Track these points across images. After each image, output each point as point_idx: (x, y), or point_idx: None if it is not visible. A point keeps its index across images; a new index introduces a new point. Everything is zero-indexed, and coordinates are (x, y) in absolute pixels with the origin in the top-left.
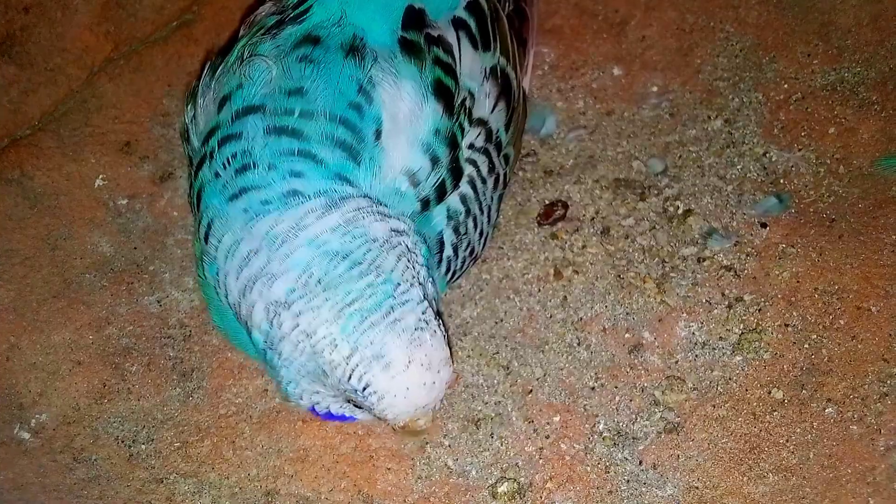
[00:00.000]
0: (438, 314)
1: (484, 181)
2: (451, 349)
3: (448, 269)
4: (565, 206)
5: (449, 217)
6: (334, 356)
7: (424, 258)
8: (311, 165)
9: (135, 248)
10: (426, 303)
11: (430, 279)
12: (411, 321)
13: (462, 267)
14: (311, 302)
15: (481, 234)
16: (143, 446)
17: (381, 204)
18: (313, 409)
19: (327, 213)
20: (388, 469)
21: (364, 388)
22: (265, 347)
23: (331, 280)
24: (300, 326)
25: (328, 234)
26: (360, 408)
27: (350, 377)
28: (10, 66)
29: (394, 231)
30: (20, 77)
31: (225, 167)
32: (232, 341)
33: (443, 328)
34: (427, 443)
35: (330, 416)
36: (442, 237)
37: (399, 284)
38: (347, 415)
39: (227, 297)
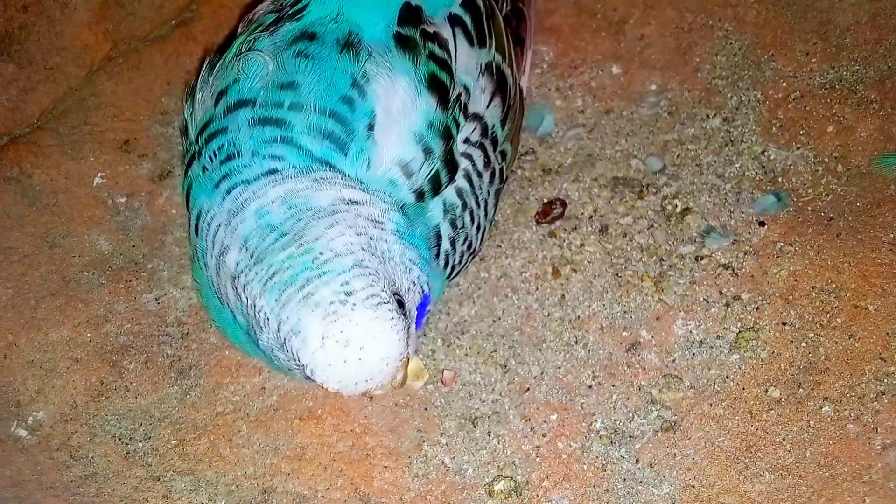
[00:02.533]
0: (424, 286)
1: (480, 175)
2: (400, 325)
3: (447, 264)
4: (563, 205)
5: (445, 210)
6: (271, 328)
7: (399, 227)
8: (292, 151)
9: (133, 246)
10: (355, 270)
11: (407, 245)
12: (326, 294)
13: (460, 262)
14: (248, 275)
15: (478, 228)
16: (140, 444)
17: (352, 178)
18: (308, 378)
19: (283, 181)
20: (385, 467)
21: (297, 363)
22: (248, 329)
23: (260, 252)
24: (248, 299)
25: (271, 204)
26: None
27: (288, 350)
28: (9, 65)
29: (344, 201)
30: (19, 75)
31: (212, 160)
32: (231, 340)
33: (380, 298)
34: (424, 441)
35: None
36: (439, 230)
37: (321, 254)
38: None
39: (212, 284)
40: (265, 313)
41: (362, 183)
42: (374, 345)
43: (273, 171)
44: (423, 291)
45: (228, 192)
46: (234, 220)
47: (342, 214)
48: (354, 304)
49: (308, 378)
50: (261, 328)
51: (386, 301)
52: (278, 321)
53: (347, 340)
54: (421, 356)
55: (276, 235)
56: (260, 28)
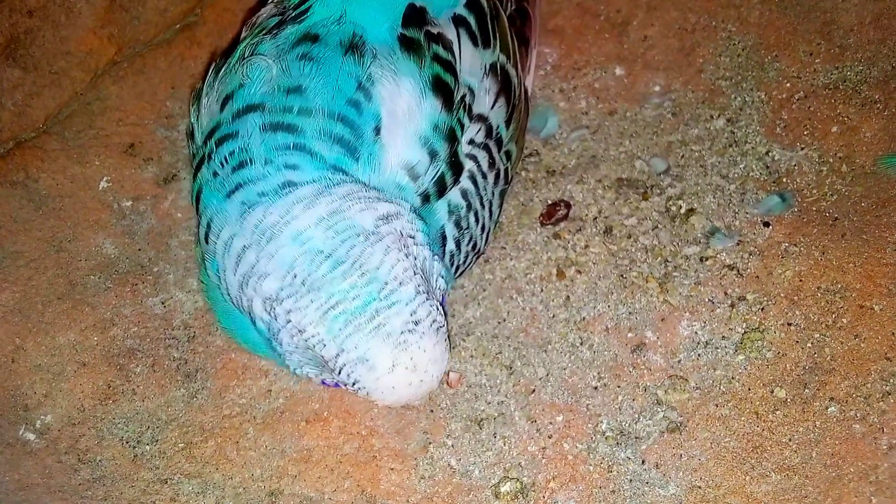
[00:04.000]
0: (441, 304)
1: (484, 176)
2: (448, 342)
3: (452, 264)
4: (568, 206)
5: (450, 212)
6: (324, 353)
7: (424, 235)
8: (306, 159)
9: (139, 250)
10: (419, 299)
11: (434, 256)
12: (397, 325)
13: (465, 262)
14: (299, 302)
15: (483, 228)
16: (148, 447)
17: (373, 188)
18: (324, 382)
19: (314, 202)
20: (392, 469)
21: (353, 384)
22: (269, 336)
23: (314, 281)
24: (292, 322)
25: (312, 228)
26: None
27: (340, 373)
28: (15, 70)
29: (383, 218)
30: (25, 80)
31: (223, 165)
32: (240, 342)
33: (439, 322)
34: (430, 443)
35: (339, 384)
36: (444, 231)
37: (386, 284)
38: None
39: (228, 293)
40: (320, 339)
41: (380, 190)
42: (436, 367)
43: (290, 184)
44: (442, 300)
45: (245, 205)
46: (267, 246)
47: (390, 237)
48: (423, 333)
49: (334, 386)
50: (299, 349)
51: (443, 324)
52: (340, 348)
53: (416, 367)
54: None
55: (331, 264)
56: (263, 31)
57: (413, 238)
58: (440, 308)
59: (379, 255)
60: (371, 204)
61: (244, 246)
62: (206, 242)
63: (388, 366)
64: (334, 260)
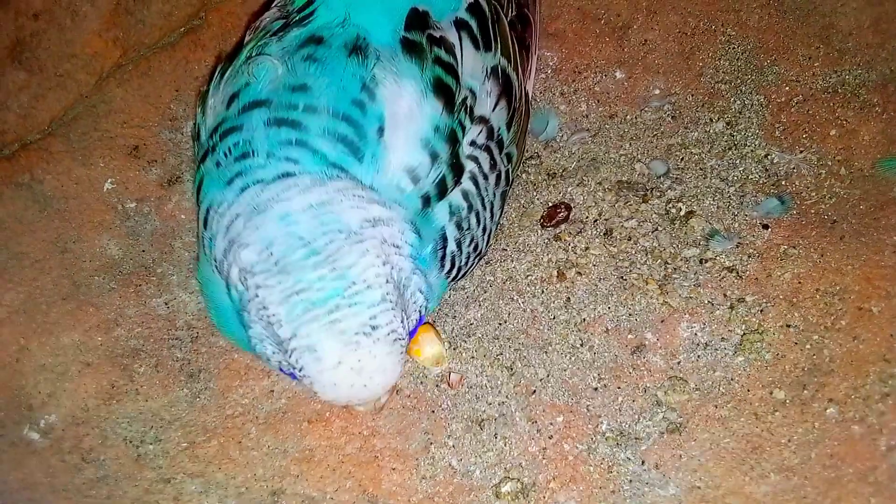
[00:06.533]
0: (418, 318)
1: (486, 177)
2: (402, 356)
3: (453, 265)
4: (568, 209)
5: (451, 213)
6: (280, 333)
7: (413, 248)
8: (308, 155)
9: (143, 251)
10: (383, 306)
11: (416, 271)
12: (353, 324)
13: (467, 263)
14: (269, 280)
15: (484, 229)
16: (151, 446)
17: (370, 189)
18: (281, 369)
19: (309, 189)
20: (393, 469)
21: (300, 371)
22: (239, 307)
23: (287, 264)
24: (259, 297)
25: (300, 213)
26: None
27: (290, 354)
28: (21, 72)
29: (370, 221)
30: (30, 82)
31: (226, 156)
32: (226, 335)
33: (398, 333)
34: (431, 443)
35: (293, 375)
36: (444, 232)
37: (353, 283)
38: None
39: (214, 260)
40: (279, 318)
41: (377, 191)
42: (383, 376)
43: (288, 175)
44: (419, 316)
45: (243, 189)
46: (255, 217)
47: (371, 241)
48: (378, 339)
49: (289, 375)
50: (262, 322)
51: (402, 337)
52: (294, 332)
53: (361, 369)
54: (446, 343)
55: (306, 252)
56: (268, 34)
57: (397, 248)
58: (405, 321)
59: (355, 255)
60: (362, 204)
61: (237, 214)
62: (205, 228)
63: (335, 361)
64: (310, 249)
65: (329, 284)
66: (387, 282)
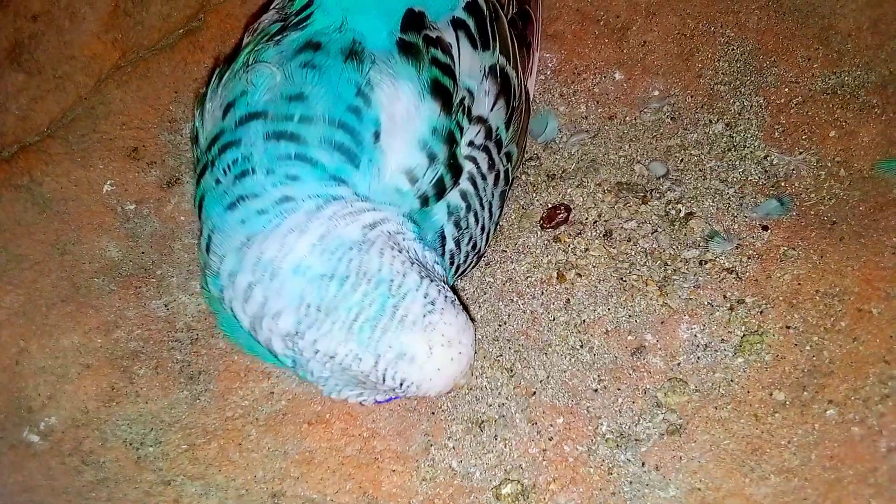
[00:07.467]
0: (444, 281)
1: (484, 177)
2: (467, 312)
3: (452, 264)
4: (568, 210)
5: (449, 213)
6: (363, 367)
7: (414, 233)
8: (307, 169)
9: (142, 253)
10: (425, 282)
11: (426, 248)
12: (416, 311)
13: (466, 262)
14: (321, 329)
15: (483, 228)
16: (151, 449)
17: (361, 199)
18: (377, 401)
19: (305, 229)
20: (393, 471)
21: (401, 385)
22: (294, 368)
23: (328, 304)
24: (321, 351)
25: (308, 256)
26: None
27: (385, 379)
28: (19, 74)
29: (368, 226)
30: (29, 84)
31: (225, 173)
32: (245, 350)
33: (451, 296)
34: (431, 445)
35: (381, 402)
36: (443, 232)
37: (392, 280)
38: (398, 395)
39: (238, 321)
40: (356, 355)
41: (372, 200)
42: (467, 335)
43: (287, 199)
44: (440, 276)
45: (244, 226)
46: (272, 282)
47: (380, 240)
48: (443, 309)
49: (386, 401)
50: (334, 374)
51: (454, 298)
52: (376, 356)
53: (450, 340)
54: None
55: (338, 282)
56: (265, 38)
57: (402, 234)
58: (447, 286)
59: (375, 258)
60: (355, 217)
61: (250, 283)
62: (207, 253)
63: (426, 351)
64: (339, 278)
65: (376, 294)
66: (413, 264)
